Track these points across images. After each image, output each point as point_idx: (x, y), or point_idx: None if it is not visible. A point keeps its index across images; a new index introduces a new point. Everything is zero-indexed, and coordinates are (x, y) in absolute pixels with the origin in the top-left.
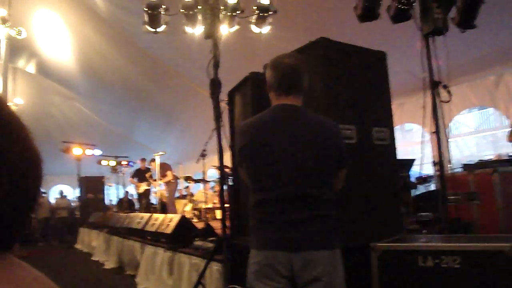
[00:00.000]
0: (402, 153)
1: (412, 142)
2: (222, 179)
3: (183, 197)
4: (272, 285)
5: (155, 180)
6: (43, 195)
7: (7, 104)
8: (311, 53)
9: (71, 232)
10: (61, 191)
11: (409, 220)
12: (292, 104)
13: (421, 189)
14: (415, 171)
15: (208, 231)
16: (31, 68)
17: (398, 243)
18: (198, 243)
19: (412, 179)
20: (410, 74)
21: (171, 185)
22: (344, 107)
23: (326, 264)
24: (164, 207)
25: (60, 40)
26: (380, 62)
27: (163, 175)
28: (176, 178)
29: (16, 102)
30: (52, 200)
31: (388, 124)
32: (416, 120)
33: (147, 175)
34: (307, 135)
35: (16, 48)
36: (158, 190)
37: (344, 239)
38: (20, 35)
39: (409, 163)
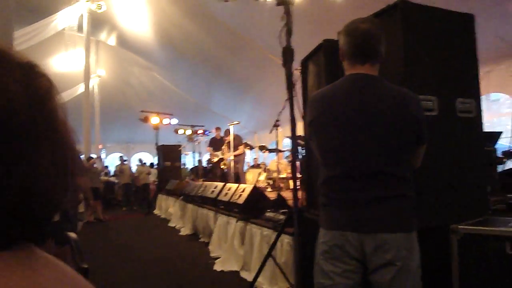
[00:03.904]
0: (487, 125)
1: (498, 114)
2: (294, 151)
3: (257, 166)
4: (341, 267)
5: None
6: (125, 162)
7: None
8: (388, 18)
9: (150, 198)
10: (140, 159)
11: (494, 200)
12: (368, 73)
13: (509, 164)
14: (502, 144)
15: (279, 202)
16: (112, 40)
17: (483, 226)
18: (269, 214)
19: (499, 154)
20: (499, 39)
21: (240, 156)
22: (424, 76)
23: (401, 248)
24: (237, 177)
25: (138, 12)
26: (467, 26)
27: (235, 148)
28: (249, 148)
29: (99, 73)
30: (134, 167)
31: (474, 94)
32: (505, 90)
33: (223, 146)
34: (383, 107)
35: (97, 22)
36: (227, 161)
37: (421, 220)
38: (100, 9)
39: (495, 136)
